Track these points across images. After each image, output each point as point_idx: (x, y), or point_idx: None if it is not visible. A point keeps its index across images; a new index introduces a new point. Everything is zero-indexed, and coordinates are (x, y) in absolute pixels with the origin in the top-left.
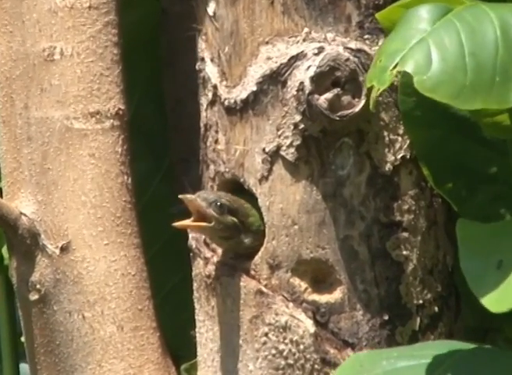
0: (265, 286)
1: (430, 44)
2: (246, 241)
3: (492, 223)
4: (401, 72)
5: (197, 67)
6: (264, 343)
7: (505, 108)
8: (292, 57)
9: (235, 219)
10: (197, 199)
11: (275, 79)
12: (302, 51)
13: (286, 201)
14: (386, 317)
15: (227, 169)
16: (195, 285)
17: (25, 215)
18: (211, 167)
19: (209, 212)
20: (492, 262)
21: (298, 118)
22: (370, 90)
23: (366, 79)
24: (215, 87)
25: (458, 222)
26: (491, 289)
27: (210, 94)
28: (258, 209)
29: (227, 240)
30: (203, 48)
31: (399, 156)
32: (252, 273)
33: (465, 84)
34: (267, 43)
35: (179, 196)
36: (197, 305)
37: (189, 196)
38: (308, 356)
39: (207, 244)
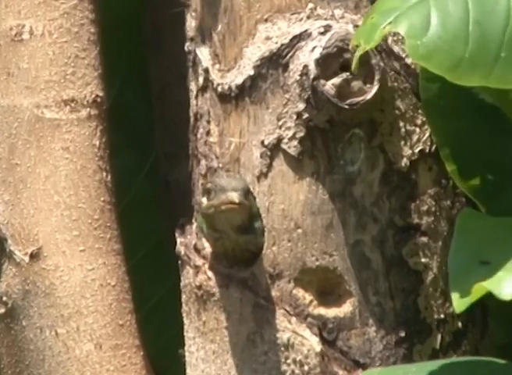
0: (264, 298)
1: (431, 6)
2: (255, 238)
3: (500, 218)
4: (392, 33)
5: (185, 48)
6: (264, 363)
7: None
8: (294, 37)
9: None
10: (236, 195)
11: (276, 62)
12: (306, 30)
13: (288, 202)
14: (403, 334)
15: (220, 165)
16: (184, 297)
17: None
18: (203, 162)
19: (246, 204)
20: (478, 259)
21: (302, 106)
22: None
23: (353, 36)
24: (206, 70)
25: (462, 211)
26: (467, 291)
27: (201, 79)
28: (257, 210)
29: (243, 234)
30: (192, 27)
31: (416, 150)
32: (249, 283)
33: (464, 56)
34: (266, 20)
35: (222, 199)
36: (186, 320)
37: (234, 196)
38: None
39: (197, 251)
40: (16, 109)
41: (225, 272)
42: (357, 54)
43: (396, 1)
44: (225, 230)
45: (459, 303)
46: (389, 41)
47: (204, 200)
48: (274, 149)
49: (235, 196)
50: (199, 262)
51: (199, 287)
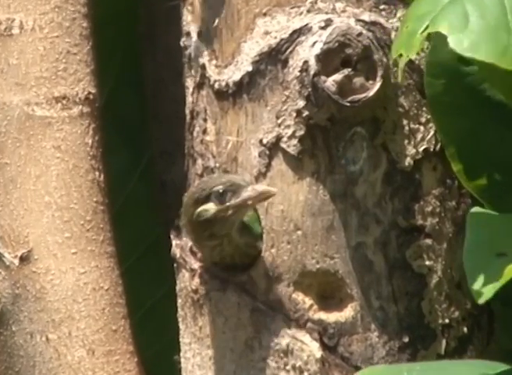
0: (263, 302)
1: (465, 3)
2: (255, 243)
3: (510, 214)
4: (432, 34)
5: (181, 43)
6: (262, 369)
7: None
8: (294, 31)
9: None
10: (257, 186)
11: (275, 57)
12: (306, 25)
13: (287, 202)
14: (406, 339)
15: (217, 165)
16: (180, 301)
17: None
18: (199, 162)
19: None
20: (494, 252)
21: (302, 104)
22: (396, 61)
23: (392, 49)
24: (202, 67)
25: (472, 210)
26: (487, 282)
27: (197, 76)
28: (255, 211)
29: (242, 234)
30: (188, 21)
31: (421, 149)
32: (247, 287)
33: (510, 43)
34: (264, 14)
35: (264, 190)
36: (181, 326)
37: (272, 188)
38: None
39: (193, 253)
40: (6, 107)
41: (223, 275)
42: (401, 65)
43: (427, 6)
44: (229, 233)
45: (480, 294)
46: (392, 35)
47: (211, 206)
48: (273, 148)
49: (259, 187)
50: (195, 265)
51: (195, 291)
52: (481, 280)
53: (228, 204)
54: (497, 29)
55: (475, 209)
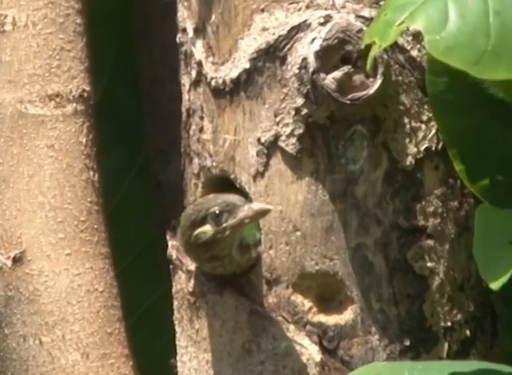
0: (261, 305)
1: None
2: (253, 256)
3: None
4: (409, 29)
5: (177, 40)
6: (260, 373)
7: None
8: (293, 28)
9: None
10: (253, 205)
11: (273, 54)
12: (305, 21)
13: (285, 203)
14: (408, 342)
15: (214, 164)
16: (176, 304)
17: None
18: (195, 161)
19: None
20: (505, 243)
21: (300, 101)
22: (369, 48)
23: (365, 35)
24: (199, 64)
25: (479, 207)
26: (502, 273)
27: (193, 73)
28: None
29: (244, 254)
30: (185, 17)
31: (422, 148)
32: (245, 289)
33: (486, 49)
34: (262, 10)
35: (261, 207)
36: (178, 328)
37: (268, 206)
38: None
39: None
40: None
41: (220, 277)
42: (372, 53)
43: None
44: (229, 253)
45: (495, 278)
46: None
47: (208, 228)
48: (271, 147)
49: (256, 205)
50: (192, 266)
51: (192, 293)
52: (494, 267)
53: (225, 225)
54: (476, 32)
55: (482, 206)
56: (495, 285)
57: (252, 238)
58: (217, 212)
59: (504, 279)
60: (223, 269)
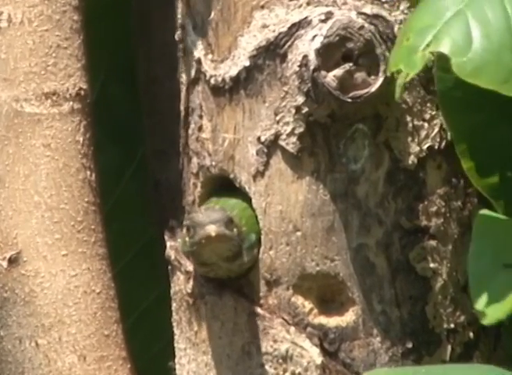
0: (261, 306)
1: (469, 18)
2: (246, 260)
3: None
4: (435, 53)
5: (176, 37)
6: None
7: None
8: (293, 25)
9: (239, 231)
10: (217, 228)
11: (273, 52)
12: (306, 18)
13: (286, 202)
14: (410, 345)
15: (214, 163)
16: (174, 305)
17: None
18: (194, 160)
19: (232, 234)
20: (501, 262)
21: (301, 100)
22: (393, 76)
23: (389, 61)
24: (198, 61)
25: (478, 214)
26: (492, 300)
27: (192, 71)
28: (253, 211)
29: (232, 261)
30: (183, 14)
31: (425, 147)
32: (245, 290)
33: None
34: (262, 7)
35: (200, 235)
36: (176, 330)
37: (210, 229)
38: None
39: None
40: None
41: (219, 278)
42: (400, 81)
43: (429, 17)
44: (215, 262)
45: (487, 315)
46: (395, 29)
47: (187, 239)
48: (271, 146)
49: (212, 229)
50: (190, 267)
51: (190, 295)
52: (485, 297)
53: (192, 240)
54: (501, 50)
55: (483, 212)
56: (484, 321)
57: (247, 242)
58: (187, 226)
59: (494, 317)
60: (216, 274)
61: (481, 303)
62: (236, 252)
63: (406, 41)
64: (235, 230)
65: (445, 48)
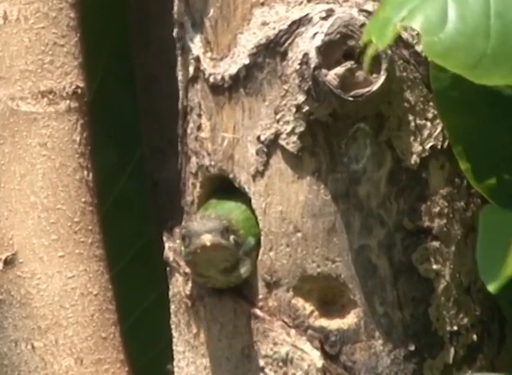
0: (261, 308)
1: None
2: (244, 270)
3: None
4: (407, 28)
5: (174, 35)
6: None
7: None
8: (294, 22)
9: (237, 239)
10: (212, 237)
11: (273, 49)
12: (306, 15)
13: (286, 203)
14: (412, 347)
15: (213, 163)
16: (173, 307)
17: None
18: (193, 160)
19: (228, 244)
20: (508, 246)
21: (301, 98)
22: (366, 46)
23: (364, 31)
24: (197, 59)
25: (484, 207)
26: (501, 275)
27: (191, 69)
28: (253, 212)
29: (229, 273)
30: (182, 11)
31: (427, 146)
32: (244, 292)
33: (486, 52)
34: (262, 4)
35: (194, 245)
36: (175, 333)
37: (205, 239)
38: None
39: None
40: None
41: None
42: (369, 52)
43: None
44: (212, 274)
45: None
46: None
47: (182, 248)
48: (271, 145)
49: (207, 239)
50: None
51: (189, 297)
52: (495, 269)
53: (187, 250)
54: (475, 34)
55: (487, 207)
56: (492, 287)
57: (245, 247)
58: (183, 235)
59: (502, 281)
60: (214, 285)
61: (489, 276)
62: (233, 263)
63: (382, 12)
64: (232, 237)
65: (417, 24)
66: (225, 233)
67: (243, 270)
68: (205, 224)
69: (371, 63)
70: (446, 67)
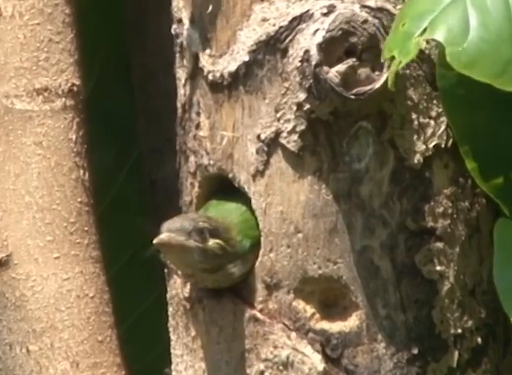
0: (261, 311)
1: (467, 5)
2: (234, 271)
3: None
4: (430, 41)
5: (172, 31)
6: None
7: None
8: (294, 18)
9: (221, 242)
10: (171, 236)
11: (273, 46)
12: (307, 11)
13: (287, 203)
14: (415, 351)
15: (212, 162)
16: (171, 310)
17: None
18: (192, 159)
19: (193, 245)
20: None
21: (302, 96)
22: (389, 61)
23: (384, 47)
24: (195, 56)
25: (498, 221)
26: None
27: (190, 66)
28: (252, 213)
29: (212, 273)
30: (180, 7)
31: (431, 145)
32: (244, 294)
33: (511, 59)
34: (262, 0)
35: (154, 241)
36: (173, 336)
37: (162, 236)
38: None
39: None
40: None
41: None
42: (393, 68)
43: (427, 3)
44: (194, 273)
45: None
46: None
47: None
48: (271, 144)
49: (164, 237)
50: None
51: (188, 299)
52: None
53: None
54: (499, 40)
55: (500, 222)
56: None
57: (240, 251)
58: (198, 228)
59: None
60: (205, 285)
61: None
62: (214, 265)
63: (401, 26)
64: (212, 240)
65: (440, 35)
66: (194, 234)
67: (235, 270)
68: (176, 222)
69: (396, 79)
70: (473, 77)
